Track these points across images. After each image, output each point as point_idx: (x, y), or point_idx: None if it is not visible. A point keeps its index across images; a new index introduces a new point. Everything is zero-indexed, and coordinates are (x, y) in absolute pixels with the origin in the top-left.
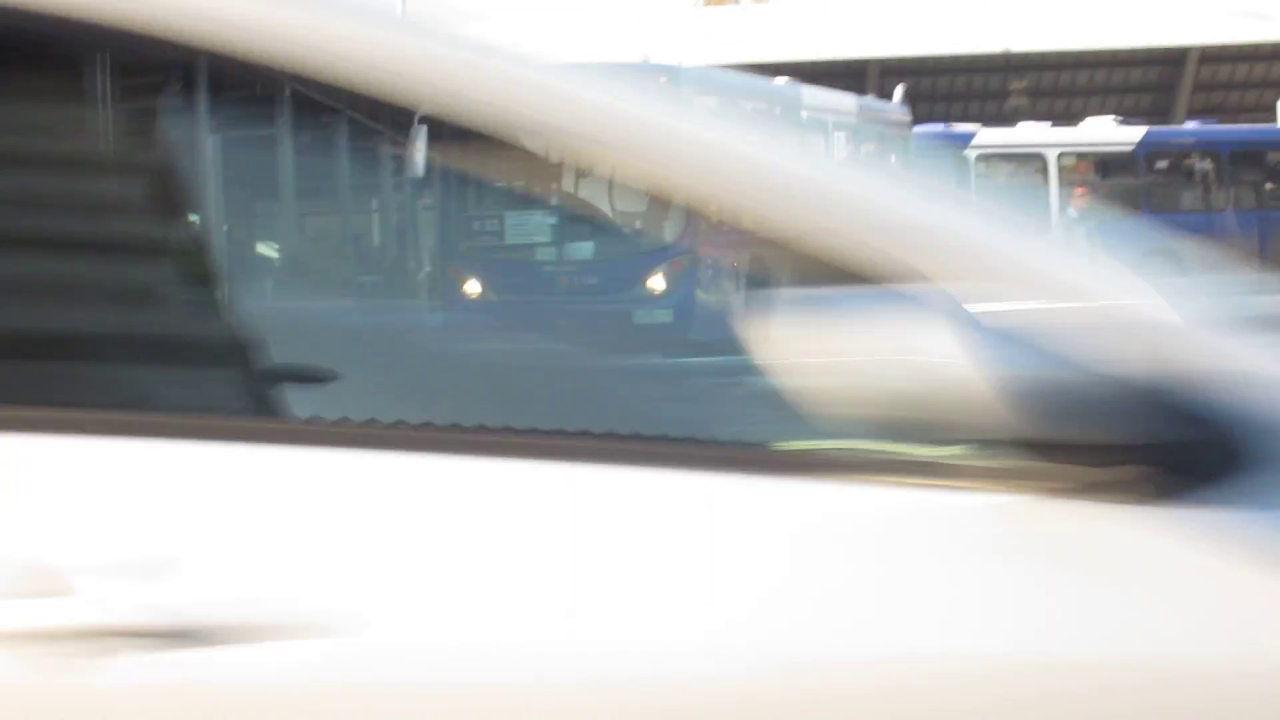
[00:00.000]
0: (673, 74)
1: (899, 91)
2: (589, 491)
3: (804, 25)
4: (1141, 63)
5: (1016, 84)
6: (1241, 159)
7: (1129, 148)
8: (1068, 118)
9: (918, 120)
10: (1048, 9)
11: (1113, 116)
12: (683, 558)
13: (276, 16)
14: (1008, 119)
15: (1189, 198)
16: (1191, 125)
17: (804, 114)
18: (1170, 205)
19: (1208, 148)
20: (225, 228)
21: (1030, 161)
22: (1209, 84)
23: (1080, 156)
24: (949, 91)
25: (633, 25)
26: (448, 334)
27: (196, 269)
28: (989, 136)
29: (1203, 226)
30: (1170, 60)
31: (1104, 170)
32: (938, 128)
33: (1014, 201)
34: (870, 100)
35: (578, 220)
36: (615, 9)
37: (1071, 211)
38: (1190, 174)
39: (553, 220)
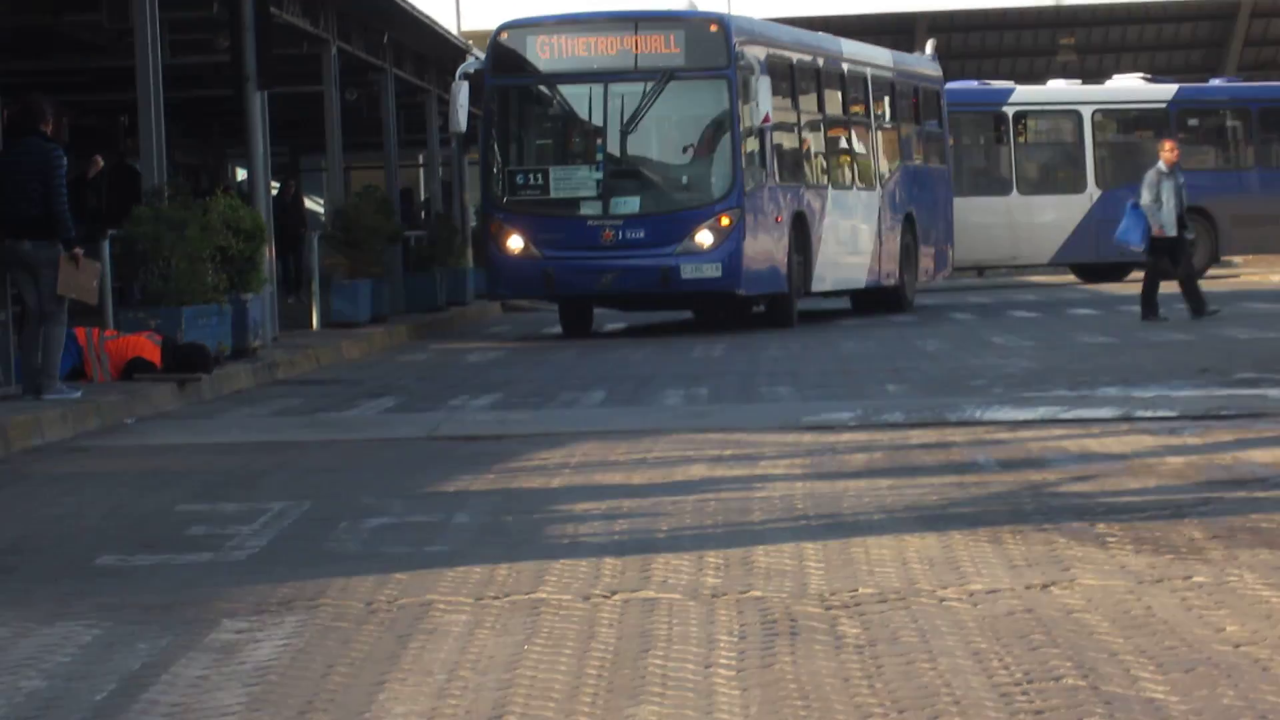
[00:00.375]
0: (720, 22)
1: (930, 46)
2: None
3: None
4: (1192, 18)
5: (1066, 39)
6: (1272, 116)
7: (1162, 105)
8: (1116, 73)
9: (956, 77)
10: None
11: (1141, 74)
12: None
13: None
14: (1056, 75)
15: (1220, 154)
16: (1217, 82)
17: (845, 66)
18: (1201, 162)
19: (1239, 105)
20: None
21: (1066, 118)
22: (1260, 39)
23: (1114, 114)
24: (997, 48)
25: None
26: None
27: None
28: (1027, 93)
29: (1233, 184)
30: (1222, 15)
31: (1137, 127)
32: (972, 84)
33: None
34: (904, 55)
35: (624, 174)
36: None
37: (1162, 165)
38: (1221, 131)
39: (598, 174)
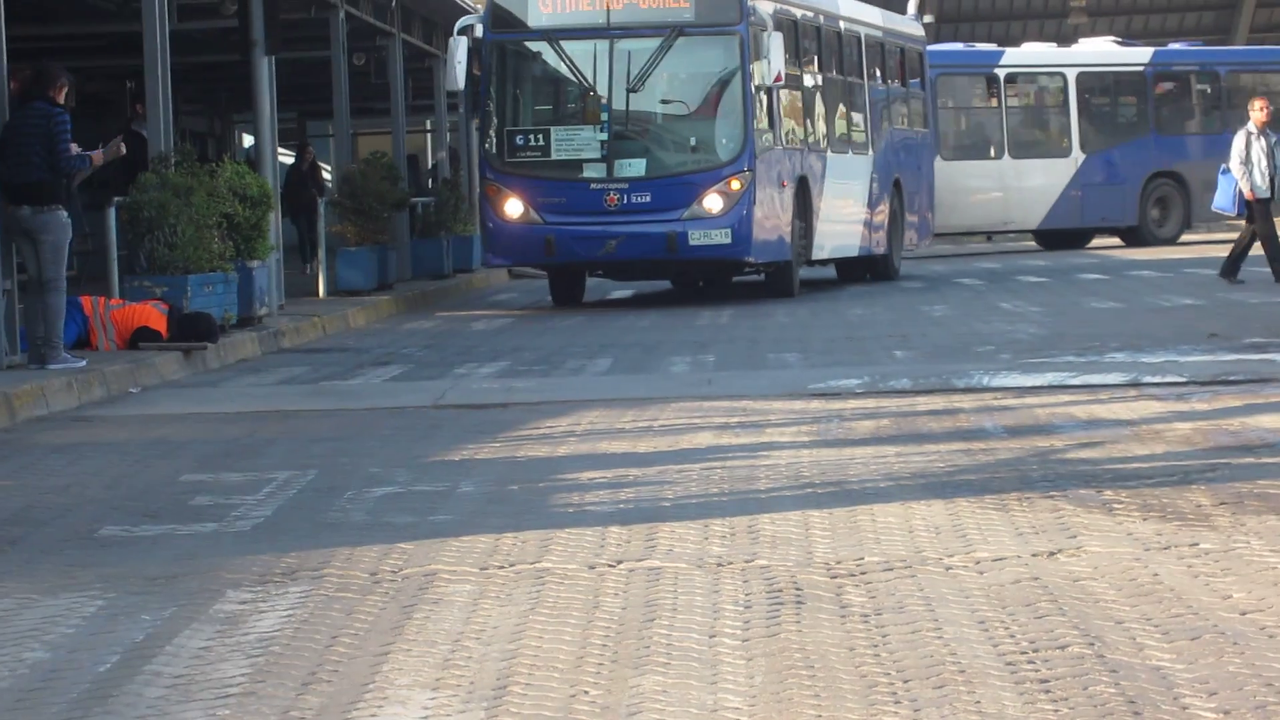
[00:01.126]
0: None
1: (912, 5)
2: None
3: None
4: None
5: (1077, 1)
6: (1239, 80)
7: (1140, 68)
8: (1128, 35)
9: (967, 39)
10: None
11: (1111, 37)
12: None
13: None
14: (1068, 38)
15: (1192, 119)
16: (1178, 46)
17: (842, 25)
18: (1176, 127)
19: (1208, 68)
20: None
21: (1054, 81)
22: (1273, 0)
23: (1096, 77)
24: (1007, 9)
25: None
26: None
27: None
28: (1017, 55)
29: (1205, 149)
30: None
31: (1117, 91)
32: (958, 46)
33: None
34: (890, 14)
35: (630, 135)
36: None
37: (1252, 126)
38: (1194, 95)
39: (602, 135)
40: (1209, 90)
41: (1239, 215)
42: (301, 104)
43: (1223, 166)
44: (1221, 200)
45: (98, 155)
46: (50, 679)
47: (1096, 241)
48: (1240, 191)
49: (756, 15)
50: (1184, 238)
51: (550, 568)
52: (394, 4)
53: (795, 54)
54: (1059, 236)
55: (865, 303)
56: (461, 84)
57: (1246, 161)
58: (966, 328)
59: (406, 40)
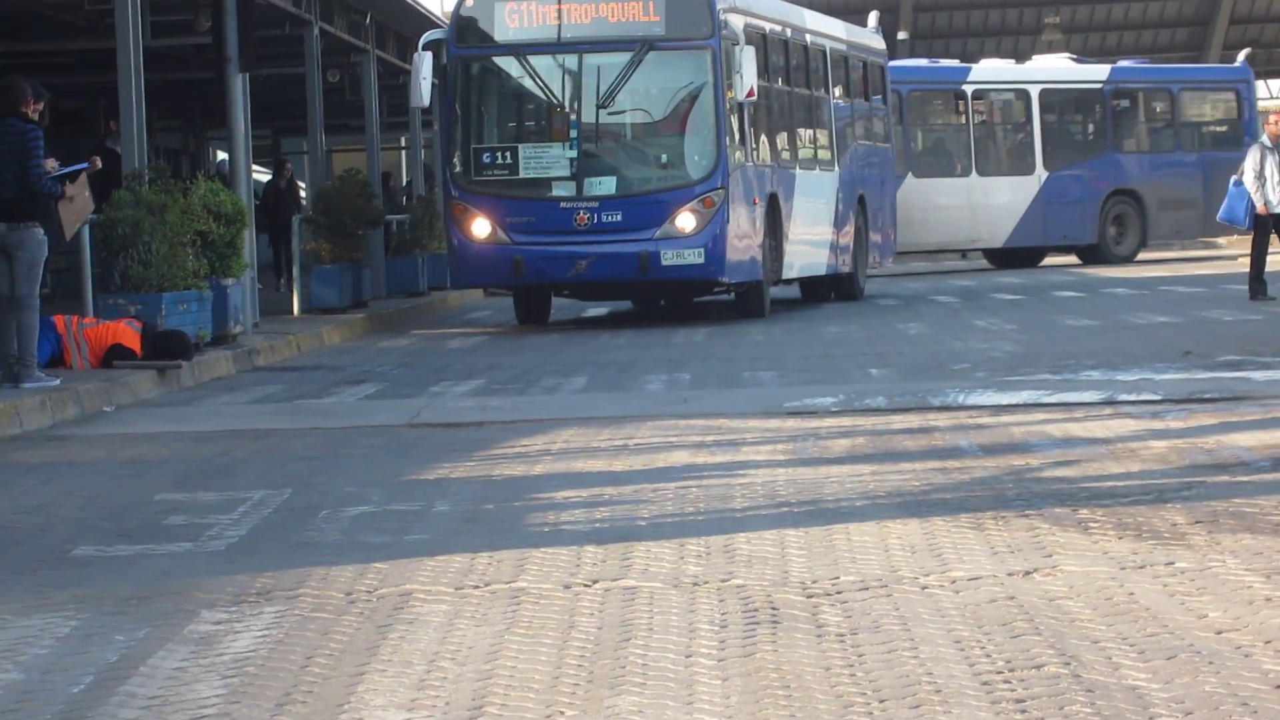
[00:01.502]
0: None
1: (873, 18)
2: None
3: None
4: None
5: (1051, 18)
6: (1191, 98)
7: (1098, 85)
8: (1101, 53)
9: (940, 56)
10: None
11: (1068, 54)
12: None
13: None
14: (1042, 54)
15: (1148, 137)
16: (1129, 63)
17: (809, 39)
18: (1132, 145)
19: (1161, 87)
20: None
21: (1019, 98)
22: (1246, 16)
23: (1058, 94)
24: (981, 27)
25: None
26: None
27: None
28: (983, 72)
29: (1159, 167)
30: None
31: (1077, 108)
32: (922, 62)
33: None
34: (854, 27)
35: (600, 152)
36: None
37: (1266, 139)
38: (1149, 113)
39: (571, 153)
40: (1161, 108)
41: (1249, 229)
42: (276, 121)
43: (1234, 179)
44: (1230, 212)
45: (69, 187)
46: (23, 700)
47: (1052, 260)
48: (1252, 205)
49: (729, 29)
50: (1141, 256)
51: (526, 587)
52: (368, 21)
53: (765, 68)
54: (1011, 255)
55: (839, 321)
56: (427, 100)
57: (1260, 175)
58: (941, 346)
59: (381, 57)
